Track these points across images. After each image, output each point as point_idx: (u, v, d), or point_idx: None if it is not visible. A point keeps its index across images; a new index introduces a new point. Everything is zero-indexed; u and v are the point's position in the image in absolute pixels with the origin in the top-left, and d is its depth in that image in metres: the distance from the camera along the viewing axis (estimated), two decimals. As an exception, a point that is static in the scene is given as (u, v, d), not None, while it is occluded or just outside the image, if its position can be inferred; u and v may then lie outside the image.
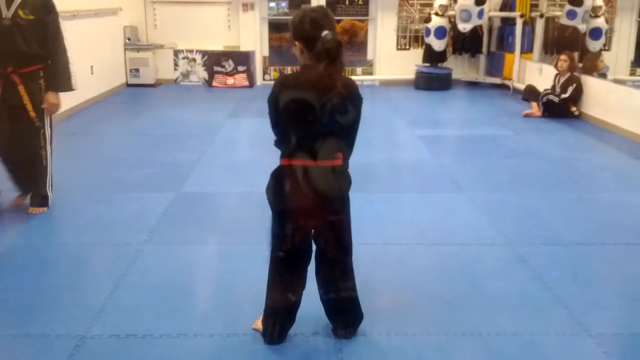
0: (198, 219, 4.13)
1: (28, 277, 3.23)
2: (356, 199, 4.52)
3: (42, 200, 4.17)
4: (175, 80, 10.11)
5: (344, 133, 2.41)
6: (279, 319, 2.59)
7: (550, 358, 2.60)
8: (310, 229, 2.53)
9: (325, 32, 2.26)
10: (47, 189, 4.17)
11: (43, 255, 3.52)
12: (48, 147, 4.12)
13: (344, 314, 2.68)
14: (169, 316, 2.84)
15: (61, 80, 4.05)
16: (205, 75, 10.06)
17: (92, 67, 8.24)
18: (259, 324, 2.67)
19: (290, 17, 2.46)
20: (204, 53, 9.99)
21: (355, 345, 2.63)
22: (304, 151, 2.36)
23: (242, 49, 9.85)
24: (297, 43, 2.36)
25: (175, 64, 10.07)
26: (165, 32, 9.96)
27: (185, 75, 10.11)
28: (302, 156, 2.36)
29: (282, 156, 2.42)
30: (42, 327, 2.74)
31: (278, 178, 2.44)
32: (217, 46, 9.99)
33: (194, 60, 10.05)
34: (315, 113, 2.30)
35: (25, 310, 2.89)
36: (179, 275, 3.27)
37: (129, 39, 9.64)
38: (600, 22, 8.68)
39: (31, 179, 4.16)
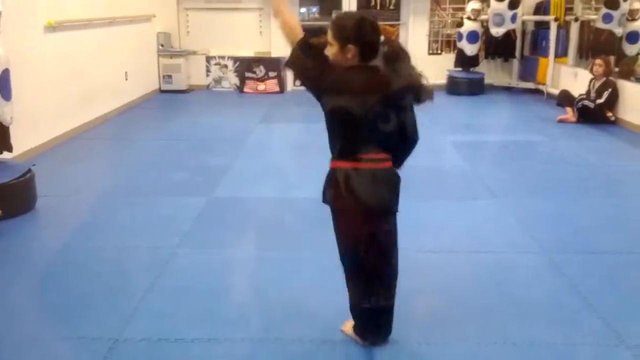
0: (230, 224, 4.16)
1: (64, 280, 3.30)
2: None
3: None
4: (207, 86, 10.21)
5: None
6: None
7: (586, 369, 2.55)
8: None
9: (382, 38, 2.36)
10: None
11: (79, 258, 3.58)
12: None
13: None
14: (200, 320, 2.86)
15: None
16: (236, 81, 10.14)
17: (126, 73, 8.38)
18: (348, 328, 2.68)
19: (328, 21, 2.44)
20: (235, 59, 10.07)
21: (388, 352, 2.61)
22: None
23: (273, 54, 9.89)
24: (350, 46, 2.33)
25: (207, 70, 10.17)
26: (197, 38, 10.08)
27: (217, 81, 10.20)
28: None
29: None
30: (77, 329, 2.79)
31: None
32: (249, 52, 10.07)
33: (226, 66, 10.14)
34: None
35: (61, 313, 2.94)
36: (211, 279, 3.30)
37: (162, 45, 9.77)
38: (637, 25, 8.49)
39: None
